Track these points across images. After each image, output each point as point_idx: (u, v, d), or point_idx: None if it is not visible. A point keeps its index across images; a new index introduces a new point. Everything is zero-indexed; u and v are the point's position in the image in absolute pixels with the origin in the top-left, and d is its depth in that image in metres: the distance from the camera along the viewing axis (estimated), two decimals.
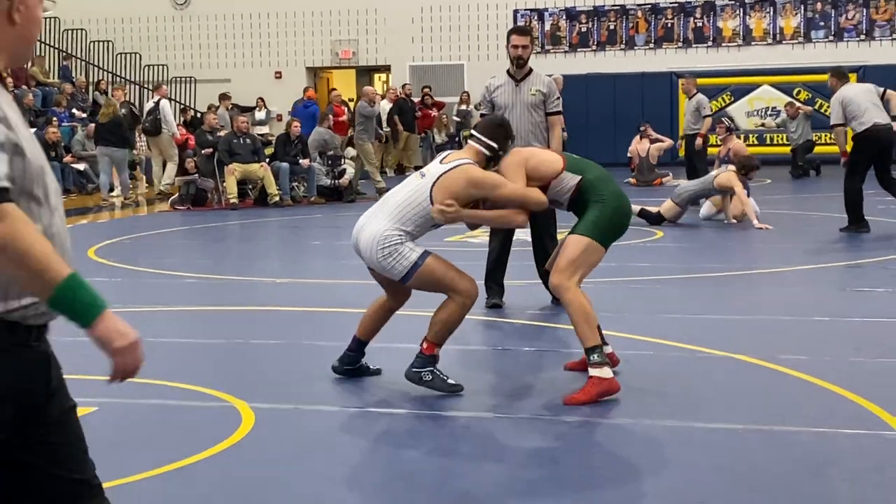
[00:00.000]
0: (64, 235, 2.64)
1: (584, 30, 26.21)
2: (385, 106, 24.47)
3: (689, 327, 7.66)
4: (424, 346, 5.93)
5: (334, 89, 25.48)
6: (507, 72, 8.51)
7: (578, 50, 26.21)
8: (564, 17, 26.27)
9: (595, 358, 5.76)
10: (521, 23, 26.09)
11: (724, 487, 4.51)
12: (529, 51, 8.41)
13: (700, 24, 25.70)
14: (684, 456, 4.93)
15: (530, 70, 8.46)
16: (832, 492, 4.48)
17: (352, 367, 6.23)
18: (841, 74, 12.36)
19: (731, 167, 13.81)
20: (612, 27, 26.09)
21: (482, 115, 8.56)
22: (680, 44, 25.84)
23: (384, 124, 23.67)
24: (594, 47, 26.19)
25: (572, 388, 5.92)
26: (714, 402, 5.79)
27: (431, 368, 5.92)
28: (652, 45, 25.95)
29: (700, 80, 24.80)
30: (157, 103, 20.18)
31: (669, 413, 5.56)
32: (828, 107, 23.02)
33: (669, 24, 25.87)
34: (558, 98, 8.52)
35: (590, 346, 5.81)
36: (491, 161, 6.05)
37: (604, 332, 6.17)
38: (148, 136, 20.42)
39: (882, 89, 12.59)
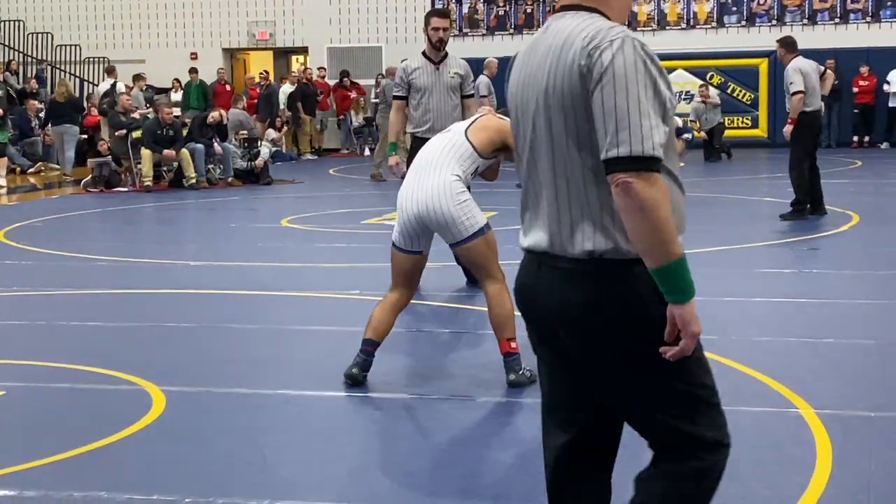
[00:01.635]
0: (683, 210, 2.85)
1: (501, 13, 26.28)
2: (287, 89, 24.40)
3: None
4: (513, 345, 5.73)
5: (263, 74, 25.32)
6: (424, 54, 8.49)
7: (496, 33, 26.27)
8: (482, 0, 26.33)
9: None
10: (439, 5, 26.11)
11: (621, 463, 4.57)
12: (449, 33, 8.41)
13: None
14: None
15: (447, 53, 8.47)
16: (734, 469, 4.55)
17: (367, 372, 5.87)
18: (791, 45, 12.24)
19: None
20: (528, 10, 26.18)
21: (395, 97, 8.57)
22: None
23: (285, 109, 23.71)
24: (511, 30, 26.27)
25: (489, 371, 5.97)
26: None
27: (522, 364, 5.78)
28: None
29: None
30: (114, 85, 20.73)
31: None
32: (740, 90, 23.51)
33: None
34: (473, 81, 8.56)
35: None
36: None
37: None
38: (104, 116, 20.83)
39: (822, 68, 12.66)
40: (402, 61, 8.72)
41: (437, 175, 5.70)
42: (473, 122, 5.98)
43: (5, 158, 18.07)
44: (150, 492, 4.28)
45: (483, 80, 17.80)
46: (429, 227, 5.72)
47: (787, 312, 7.65)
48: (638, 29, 25.77)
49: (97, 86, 24.23)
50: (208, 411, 5.49)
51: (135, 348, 6.82)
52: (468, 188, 5.83)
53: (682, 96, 23.74)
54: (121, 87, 21.44)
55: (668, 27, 25.55)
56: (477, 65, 25.60)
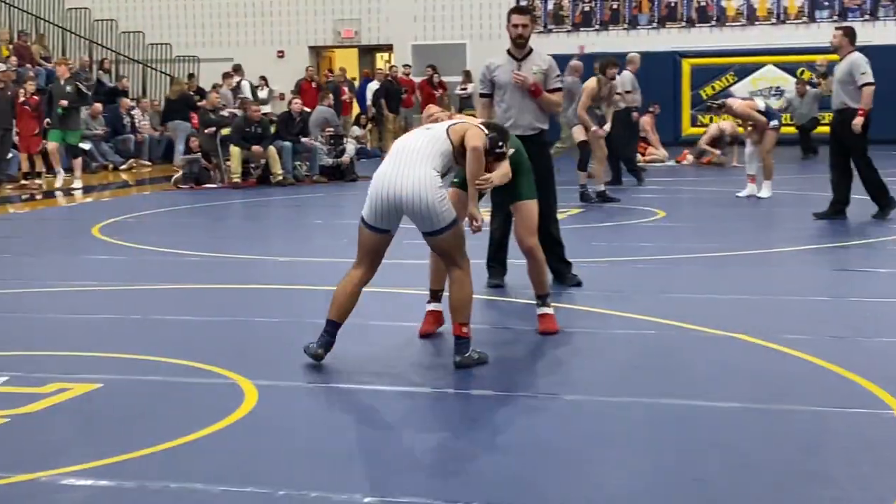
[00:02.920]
0: None
1: (587, 9, 26.17)
2: (372, 87, 24.55)
3: (690, 307, 7.70)
4: (464, 329, 6.07)
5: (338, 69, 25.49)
6: (508, 51, 8.47)
7: (581, 29, 26.16)
8: None
9: (549, 301, 7.00)
10: (522, 2, 26.05)
11: (720, 465, 4.55)
12: (530, 30, 8.35)
13: (704, 4, 25.65)
14: (682, 434, 4.97)
15: (531, 49, 8.42)
16: (828, 470, 4.52)
17: (328, 350, 6.19)
18: (854, 37, 12.01)
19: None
20: (615, 6, 26.04)
21: (481, 95, 8.56)
22: (683, 23, 25.80)
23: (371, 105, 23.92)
24: (597, 27, 26.15)
25: (569, 366, 5.98)
26: (714, 381, 5.83)
27: (474, 347, 6.10)
28: (655, 25, 25.91)
29: (704, 60, 24.90)
30: (239, 83, 21.26)
31: (669, 391, 5.61)
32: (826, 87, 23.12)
33: (673, 4, 25.82)
34: (558, 76, 8.50)
35: (548, 293, 7.02)
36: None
37: (606, 311, 6.22)
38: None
39: None
40: (490, 59, 8.65)
41: (421, 167, 6.03)
42: (455, 123, 6.36)
43: (79, 159, 18.33)
44: (245, 484, 4.34)
45: (627, 75, 17.75)
46: (403, 212, 6.08)
47: (881, 312, 7.53)
48: (727, 24, 25.54)
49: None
50: (299, 405, 5.55)
51: (226, 343, 6.91)
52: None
53: (772, 92, 23.46)
54: (245, 85, 22.17)
55: (757, 22, 25.25)
56: (563, 61, 25.59)
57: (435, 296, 6.92)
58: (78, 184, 17.86)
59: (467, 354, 6.06)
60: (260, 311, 7.91)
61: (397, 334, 6.94)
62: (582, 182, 14.28)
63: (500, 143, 6.35)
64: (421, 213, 6.00)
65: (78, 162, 18.13)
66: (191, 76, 25.23)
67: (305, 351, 6.17)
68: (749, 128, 14.41)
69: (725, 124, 19.57)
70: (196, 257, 10.40)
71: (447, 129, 6.22)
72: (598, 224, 12.33)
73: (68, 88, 17.70)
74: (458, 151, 6.17)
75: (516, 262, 8.88)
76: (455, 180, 6.84)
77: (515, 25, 8.31)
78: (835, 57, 12.41)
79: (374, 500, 4.19)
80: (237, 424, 5.15)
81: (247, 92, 22.53)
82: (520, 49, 8.35)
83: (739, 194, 14.38)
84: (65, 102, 17.44)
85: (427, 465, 4.62)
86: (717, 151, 19.87)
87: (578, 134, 14.50)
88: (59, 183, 17.89)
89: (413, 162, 6.06)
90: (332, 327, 6.19)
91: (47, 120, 18.12)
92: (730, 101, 15.08)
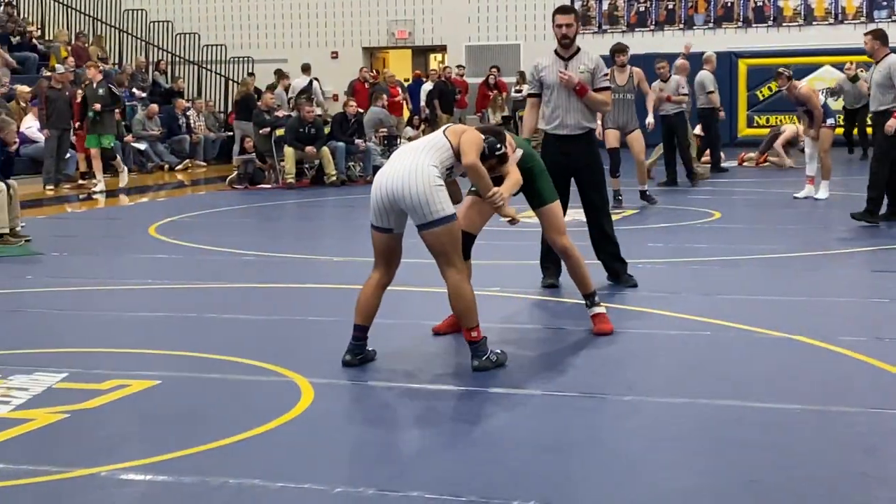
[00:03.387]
0: None
1: (642, 9, 26.06)
2: (426, 88, 24.60)
3: (747, 308, 7.65)
4: (473, 334, 6.03)
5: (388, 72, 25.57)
6: (555, 51, 8.45)
7: (636, 30, 26.06)
8: None
9: (598, 300, 6.99)
10: (578, 3, 26.02)
11: (776, 467, 4.53)
12: (574, 29, 8.30)
13: (760, 4, 25.46)
14: (738, 435, 4.95)
15: (578, 49, 8.39)
16: (886, 472, 4.49)
17: (362, 355, 6.21)
18: (886, 39, 11.90)
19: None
20: (670, 6, 25.91)
21: (529, 95, 8.57)
22: (740, 23, 25.62)
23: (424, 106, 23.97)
24: (652, 27, 26.04)
25: (625, 367, 5.96)
26: (771, 383, 5.79)
27: (490, 349, 6.07)
28: (711, 25, 25.75)
29: (760, 60, 24.68)
30: (311, 83, 22.05)
31: (726, 393, 5.58)
32: None
33: (729, 4, 25.66)
34: (605, 75, 8.46)
35: (593, 291, 6.97)
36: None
37: (662, 312, 6.20)
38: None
39: None
40: (539, 58, 8.66)
41: (414, 158, 6.06)
42: (450, 126, 6.39)
43: (118, 159, 18.48)
44: (302, 481, 4.37)
45: (706, 75, 17.67)
46: (399, 206, 6.03)
47: None
48: (784, 24, 25.35)
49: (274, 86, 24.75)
50: (356, 403, 5.59)
51: (282, 341, 6.97)
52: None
53: (829, 93, 23.23)
54: (316, 86, 22.40)
55: (814, 22, 25.04)
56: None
57: None
58: (122, 182, 18.07)
59: (485, 357, 6.02)
60: (315, 309, 7.96)
61: (456, 334, 6.94)
62: (616, 188, 13.37)
63: (498, 146, 6.30)
64: (412, 204, 5.96)
65: (118, 162, 18.29)
66: (250, 75, 25.37)
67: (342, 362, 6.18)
68: (804, 123, 14.34)
69: (794, 127, 19.38)
70: (250, 257, 10.48)
71: (444, 130, 6.27)
72: (654, 225, 12.28)
73: (101, 91, 17.56)
74: (457, 150, 6.14)
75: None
76: (472, 189, 6.79)
77: (560, 25, 8.31)
78: (862, 58, 12.33)
79: (432, 498, 4.21)
80: (294, 421, 5.19)
81: (318, 93, 22.68)
82: (566, 49, 8.35)
83: (797, 195, 14.28)
84: (98, 106, 17.36)
85: (483, 463, 4.63)
86: (783, 155, 19.66)
87: (612, 140, 13.50)
88: (123, 182, 18.10)
89: (406, 157, 6.12)
90: (360, 331, 6.20)
91: (78, 123, 18.25)
92: (797, 81, 14.96)
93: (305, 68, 23.68)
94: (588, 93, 8.22)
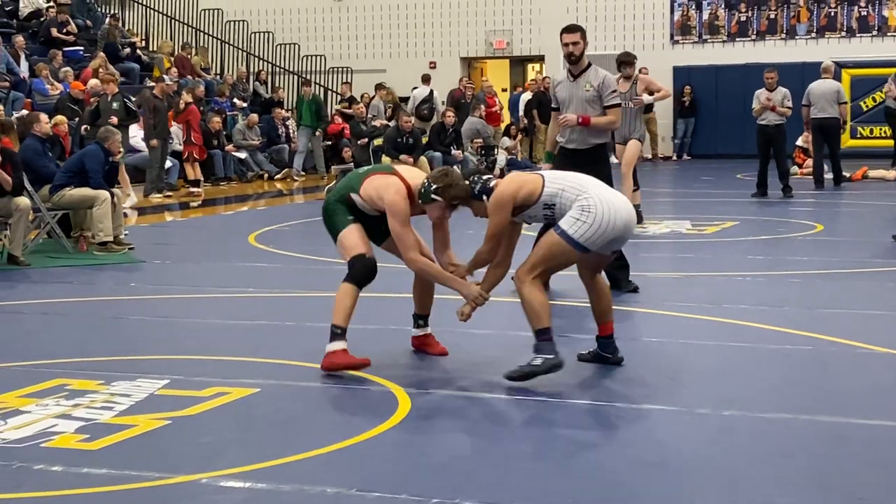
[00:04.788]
0: None
1: (743, 19, 25.77)
2: (525, 97, 24.58)
3: (848, 322, 7.52)
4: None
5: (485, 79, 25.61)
6: (567, 69, 8.71)
7: (737, 39, 25.78)
8: (723, 6, 25.87)
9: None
10: (678, 12, 25.89)
11: (882, 484, 4.43)
12: (581, 47, 8.49)
13: (864, 13, 25.04)
14: (842, 452, 4.86)
15: (588, 65, 8.58)
16: None
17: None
18: None
19: None
20: (772, 16, 25.59)
21: (552, 109, 8.82)
22: (843, 33, 25.21)
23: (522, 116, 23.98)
24: (753, 37, 25.73)
25: (723, 381, 5.89)
26: (872, 399, 5.68)
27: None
28: (814, 35, 25.37)
29: (864, 71, 24.25)
30: (431, 92, 22.41)
31: (826, 408, 5.48)
32: None
33: (833, 13, 25.26)
34: (614, 91, 8.55)
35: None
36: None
37: (761, 325, 6.11)
38: (423, 121, 22.13)
39: None
40: (558, 75, 8.90)
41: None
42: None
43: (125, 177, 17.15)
44: (399, 491, 4.38)
45: (839, 84, 17.48)
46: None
47: None
48: (889, 34, 24.91)
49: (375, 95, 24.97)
50: (453, 413, 5.58)
51: (381, 350, 6.97)
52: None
53: None
54: (436, 95, 22.66)
55: (888, 33, 24.66)
56: (714, 72, 25.24)
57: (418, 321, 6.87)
58: (131, 201, 16.52)
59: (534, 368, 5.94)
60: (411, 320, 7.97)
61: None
62: (636, 202, 12.38)
63: (435, 188, 6.17)
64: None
65: (125, 179, 16.32)
66: (345, 83, 25.64)
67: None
68: None
69: None
70: None
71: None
72: (754, 237, 12.12)
73: (115, 105, 16.80)
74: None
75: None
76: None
77: (566, 44, 8.56)
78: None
79: None
80: (391, 431, 5.21)
81: (438, 102, 22.87)
82: (575, 66, 8.58)
83: None
84: (115, 120, 16.30)
85: (580, 476, 4.60)
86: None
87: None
88: (127, 202, 17.06)
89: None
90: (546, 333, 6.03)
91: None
92: None
93: (426, 79, 23.87)
94: (591, 122, 8.44)
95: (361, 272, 6.40)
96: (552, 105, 8.88)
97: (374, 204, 6.34)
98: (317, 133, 22.00)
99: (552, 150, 8.86)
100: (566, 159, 8.49)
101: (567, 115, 8.45)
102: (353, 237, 6.40)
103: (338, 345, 6.25)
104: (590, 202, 5.90)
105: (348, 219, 6.41)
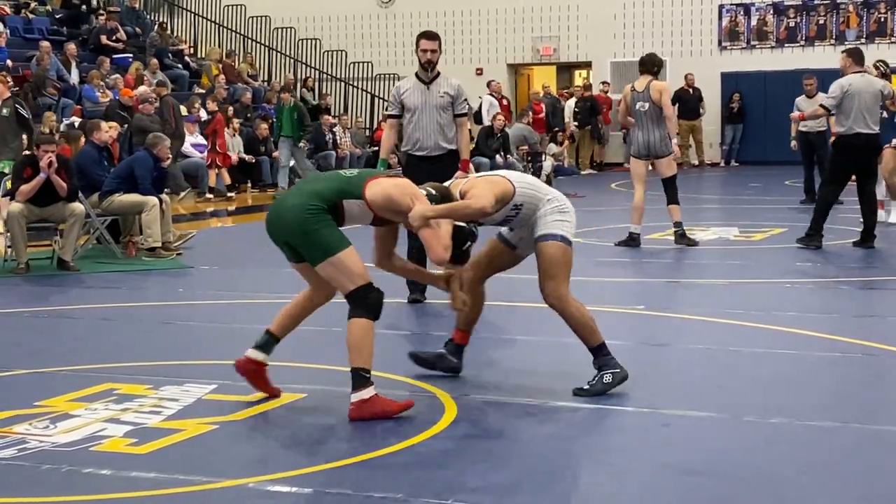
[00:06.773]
0: None
1: (791, 24, 25.59)
2: (570, 104, 24.55)
3: None
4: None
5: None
6: (416, 75, 8.78)
7: (786, 45, 25.60)
8: (772, 11, 25.71)
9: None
10: (726, 18, 25.77)
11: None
12: (438, 55, 8.71)
13: None
14: (890, 461, 4.82)
15: (438, 73, 8.73)
16: None
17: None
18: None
19: None
20: (821, 21, 25.39)
21: (390, 116, 8.93)
22: (893, 38, 24.97)
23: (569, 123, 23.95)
24: (802, 42, 25.55)
25: (774, 389, 5.84)
26: None
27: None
28: (864, 40, 25.14)
29: None
30: (492, 103, 22.40)
31: (877, 418, 5.43)
32: None
33: (882, 19, 25.02)
34: (465, 100, 8.84)
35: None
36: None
37: (812, 333, 6.06)
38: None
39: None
40: (399, 81, 8.93)
41: None
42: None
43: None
44: (446, 497, 4.37)
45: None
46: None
47: None
48: None
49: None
50: (499, 420, 5.57)
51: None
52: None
53: None
54: (493, 103, 22.74)
55: None
56: (763, 78, 25.08)
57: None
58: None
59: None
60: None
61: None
62: (677, 218, 11.82)
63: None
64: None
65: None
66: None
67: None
68: None
69: None
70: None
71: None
72: (803, 245, 12.00)
73: (4, 111, 14.12)
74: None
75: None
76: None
77: (424, 51, 8.72)
78: None
79: None
80: (438, 437, 5.21)
81: (494, 108, 22.80)
82: (427, 73, 8.71)
83: None
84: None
85: (626, 484, 4.59)
86: None
87: (667, 169, 11.95)
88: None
89: None
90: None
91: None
92: None
93: (490, 85, 23.97)
94: (468, 166, 8.67)
95: (378, 305, 5.73)
96: (392, 112, 8.89)
97: (381, 209, 5.74)
98: (300, 144, 20.34)
99: (387, 157, 8.96)
100: (419, 167, 8.30)
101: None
102: (358, 262, 5.69)
103: (369, 391, 5.49)
104: (561, 202, 5.99)
105: (343, 237, 5.73)
